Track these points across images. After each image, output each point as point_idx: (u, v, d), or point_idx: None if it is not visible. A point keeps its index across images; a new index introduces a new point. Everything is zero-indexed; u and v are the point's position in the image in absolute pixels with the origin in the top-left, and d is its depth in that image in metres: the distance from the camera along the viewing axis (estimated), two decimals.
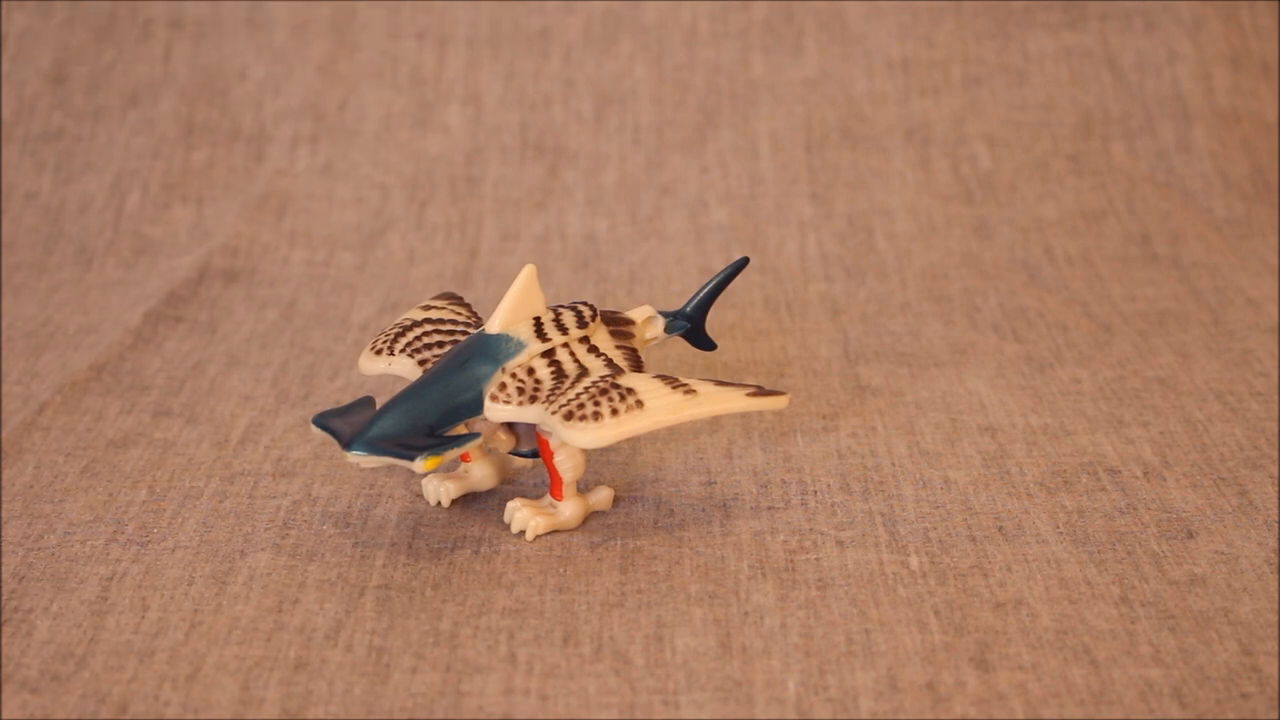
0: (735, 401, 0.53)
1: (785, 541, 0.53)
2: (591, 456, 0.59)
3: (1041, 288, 0.76)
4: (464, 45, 0.89)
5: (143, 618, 0.49)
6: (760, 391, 0.54)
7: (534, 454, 0.55)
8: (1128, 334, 0.71)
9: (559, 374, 0.53)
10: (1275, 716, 0.45)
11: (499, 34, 0.90)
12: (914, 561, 0.52)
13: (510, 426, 0.55)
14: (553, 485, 0.54)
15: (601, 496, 0.55)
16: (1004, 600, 0.50)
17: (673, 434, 0.61)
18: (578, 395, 0.51)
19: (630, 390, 0.52)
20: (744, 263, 0.60)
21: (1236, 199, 0.84)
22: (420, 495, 0.57)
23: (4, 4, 0.90)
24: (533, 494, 0.57)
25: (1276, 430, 0.61)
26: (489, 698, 0.46)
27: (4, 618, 0.50)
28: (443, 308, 0.58)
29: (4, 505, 0.56)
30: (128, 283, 0.78)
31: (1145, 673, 0.46)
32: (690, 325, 0.60)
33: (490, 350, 0.53)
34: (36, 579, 0.52)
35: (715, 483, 0.58)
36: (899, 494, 0.57)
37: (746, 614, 0.49)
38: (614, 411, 0.51)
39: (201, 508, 0.56)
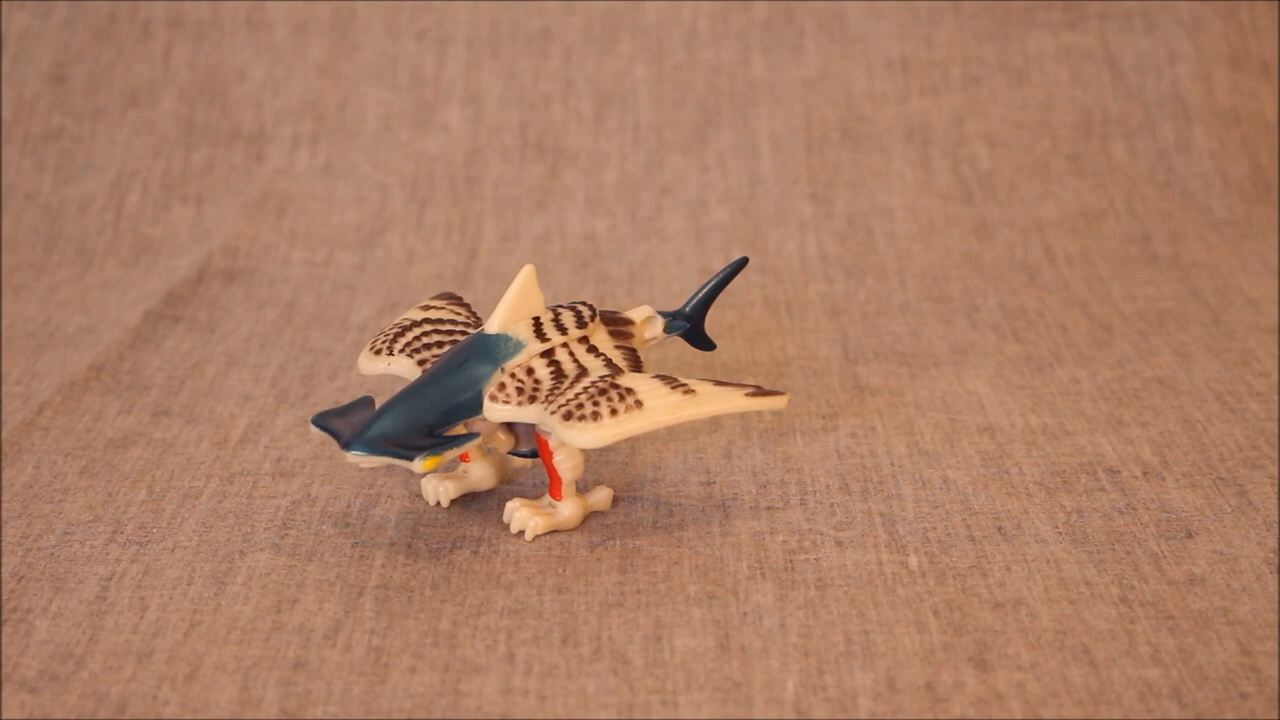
0: (734, 401, 0.53)
1: (784, 541, 0.53)
2: (591, 456, 0.59)
3: (1041, 288, 0.76)
4: (464, 45, 0.89)
5: (141, 618, 0.49)
6: (759, 391, 0.53)
7: (533, 454, 0.55)
8: (1128, 334, 0.71)
9: (558, 374, 0.53)
10: (1274, 716, 0.45)
11: (499, 34, 0.90)
12: (913, 561, 0.52)
13: (509, 426, 0.55)
14: (552, 485, 0.54)
15: (600, 496, 0.55)
16: (1003, 600, 0.50)
17: (672, 434, 0.61)
18: (577, 395, 0.51)
19: (629, 390, 0.52)
20: (743, 263, 0.60)
21: (1236, 199, 0.84)
22: (419, 495, 0.57)
23: (4, 4, 0.90)
24: (532, 494, 0.57)
25: (1276, 430, 0.61)
26: (488, 698, 0.46)
27: (3, 618, 0.50)
28: (442, 308, 0.58)
29: (4, 505, 0.56)
30: (128, 283, 0.78)
31: (1144, 673, 0.46)
32: (690, 325, 0.60)
33: (489, 350, 0.53)
34: (35, 579, 0.52)
35: (714, 483, 0.58)
36: (898, 494, 0.57)
37: (745, 614, 0.49)
38: (613, 411, 0.51)
39: (201, 508, 0.56)
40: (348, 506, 0.56)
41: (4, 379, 0.67)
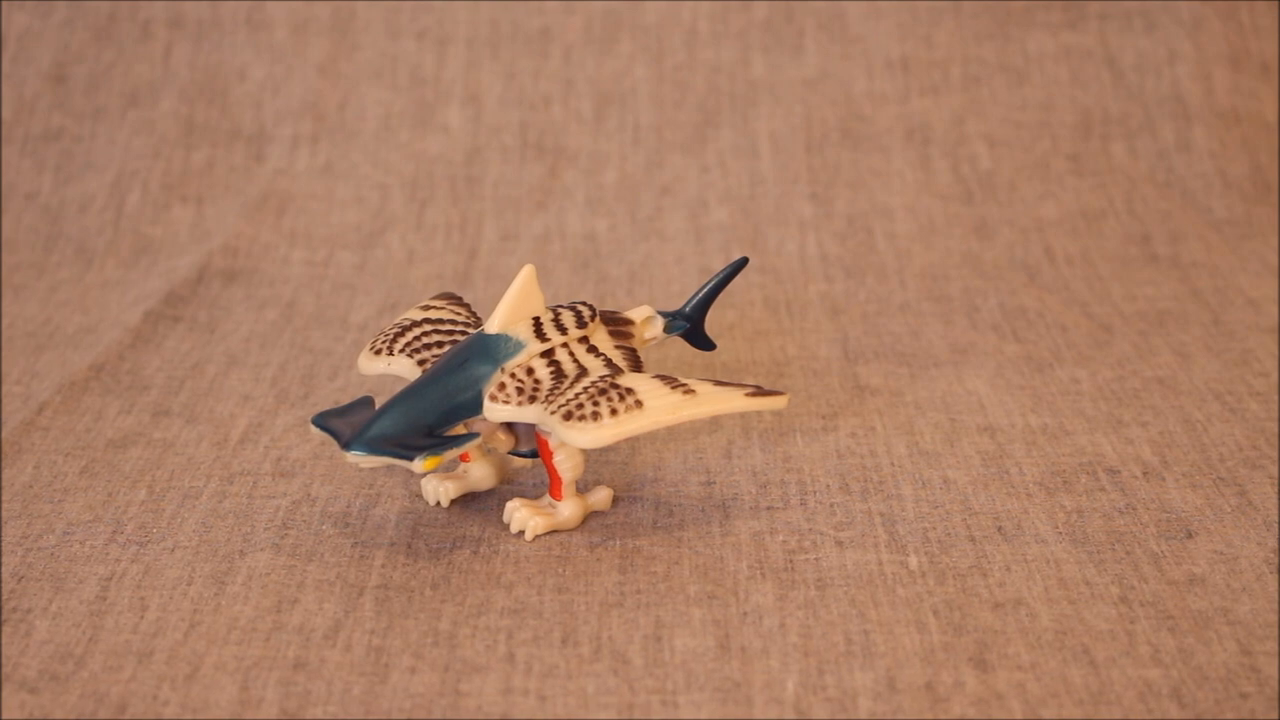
0: (734, 401, 0.53)
1: (784, 542, 0.53)
2: (591, 456, 0.59)
3: (1041, 288, 0.76)
4: (464, 45, 0.89)
5: (141, 618, 0.49)
6: (759, 391, 0.53)
7: (533, 454, 0.55)
8: (1128, 334, 0.71)
9: (558, 374, 0.53)
10: (1274, 716, 0.45)
11: (499, 34, 0.90)
12: (913, 561, 0.52)
13: (509, 426, 0.55)
14: (552, 485, 0.54)
15: (600, 496, 0.55)
16: (1003, 600, 0.50)
17: (672, 434, 0.61)
18: (577, 395, 0.51)
19: (629, 390, 0.52)
20: (743, 263, 0.60)
21: (1236, 199, 0.84)
22: (419, 495, 0.57)
23: (4, 4, 0.90)
24: (532, 494, 0.57)
25: (1276, 430, 0.61)
26: (487, 698, 0.46)
27: (3, 618, 0.50)
28: (442, 308, 0.58)
29: (4, 505, 0.56)
30: (128, 283, 0.78)
31: (1144, 673, 0.46)
32: (689, 325, 0.60)
33: (489, 350, 0.53)
34: (35, 579, 0.52)
35: (714, 483, 0.58)
36: (898, 494, 0.57)
37: (745, 614, 0.49)
38: (613, 411, 0.51)
39: (201, 508, 0.56)
40: (348, 506, 0.56)
41: (4, 379, 0.67)
